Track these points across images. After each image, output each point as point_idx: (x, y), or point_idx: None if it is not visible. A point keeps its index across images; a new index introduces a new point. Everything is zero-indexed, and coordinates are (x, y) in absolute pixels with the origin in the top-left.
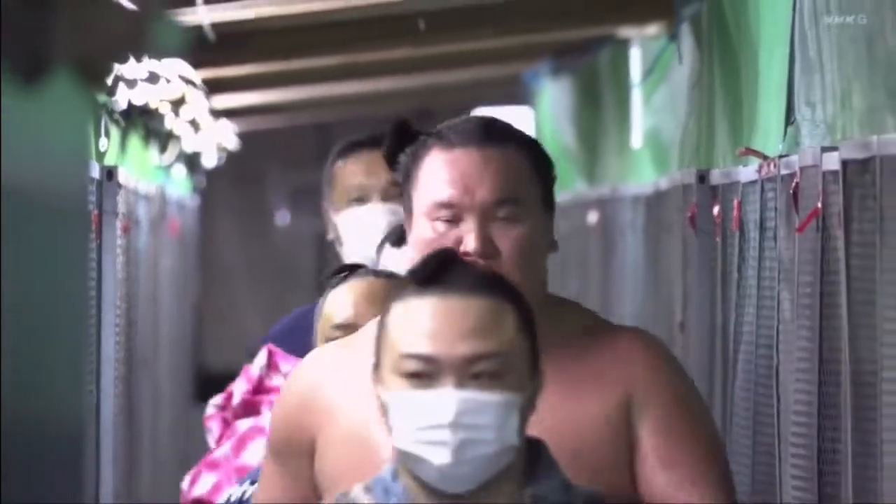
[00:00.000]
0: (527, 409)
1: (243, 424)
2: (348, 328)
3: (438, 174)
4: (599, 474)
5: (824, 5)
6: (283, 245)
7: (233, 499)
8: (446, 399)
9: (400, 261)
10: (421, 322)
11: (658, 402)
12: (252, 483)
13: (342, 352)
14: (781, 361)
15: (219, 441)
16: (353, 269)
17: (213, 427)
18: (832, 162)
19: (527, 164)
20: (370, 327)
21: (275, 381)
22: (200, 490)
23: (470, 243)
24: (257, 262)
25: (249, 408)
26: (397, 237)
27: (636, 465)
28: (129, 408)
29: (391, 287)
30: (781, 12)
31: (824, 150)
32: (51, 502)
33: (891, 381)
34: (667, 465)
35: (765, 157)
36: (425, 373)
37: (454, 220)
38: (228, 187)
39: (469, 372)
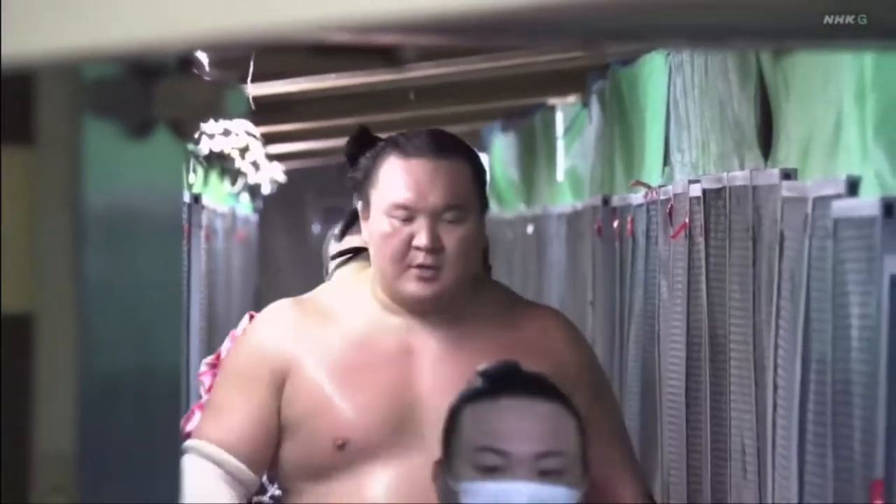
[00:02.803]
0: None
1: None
2: None
3: (397, 179)
4: None
5: (690, 83)
6: (316, 248)
7: None
8: (520, 489)
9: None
10: (496, 421)
11: (577, 371)
12: None
13: (302, 308)
14: (661, 330)
15: (208, 391)
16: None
17: (205, 380)
18: (696, 190)
19: (470, 173)
20: (321, 290)
21: None
22: (192, 426)
23: (422, 239)
24: (298, 260)
25: None
26: (339, 234)
27: None
28: None
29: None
30: (660, 88)
31: (690, 182)
32: (158, 425)
33: (736, 343)
34: (598, 437)
35: (649, 187)
36: (499, 466)
37: (408, 219)
38: (278, 208)
39: (537, 468)
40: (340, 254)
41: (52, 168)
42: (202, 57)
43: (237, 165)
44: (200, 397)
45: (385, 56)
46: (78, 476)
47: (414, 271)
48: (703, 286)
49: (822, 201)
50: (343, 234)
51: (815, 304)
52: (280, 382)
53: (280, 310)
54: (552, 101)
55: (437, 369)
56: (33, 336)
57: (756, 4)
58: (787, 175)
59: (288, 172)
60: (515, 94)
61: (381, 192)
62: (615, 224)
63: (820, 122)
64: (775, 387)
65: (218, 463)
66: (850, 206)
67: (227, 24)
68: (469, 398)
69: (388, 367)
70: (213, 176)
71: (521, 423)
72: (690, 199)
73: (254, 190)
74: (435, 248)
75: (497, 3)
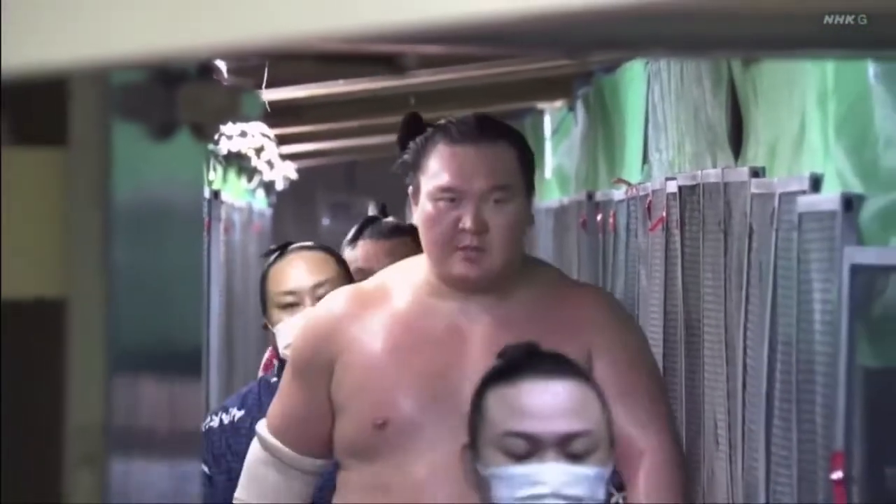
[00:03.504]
0: (608, 483)
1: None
2: (293, 294)
3: (443, 164)
4: None
5: (667, 89)
6: (324, 239)
7: (226, 422)
8: (549, 471)
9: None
10: (520, 404)
11: (617, 345)
12: (239, 408)
13: (356, 294)
14: (640, 313)
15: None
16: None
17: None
18: (672, 187)
19: (515, 156)
20: (380, 275)
21: None
22: None
23: (467, 222)
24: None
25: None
26: (352, 239)
27: None
28: (228, 338)
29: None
30: (639, 93)
31: (667, 179)
32: (180, 399)
33: (709, 326)
34: (623, 394)
35: (630, 184)
36: (527, 449)
37: (454, 202)
38: (290, 203)
39: (566, 448)
40: (270, 252)
41: (84, 167)
42: (221, 65)
43: (253, 164)
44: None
45: (388, 64)
46: (107, 446)
47: (460, 253)
48: (679, 274)
49: (788, 197)
50: (355, 239)
51: (781, 290)
52: (331, 365)
53: (336, 298)
54: (541, 105)
55: (484, 351)
56: (67, 319)
57: (728, 15)
58: (756, 173)
59: (299, 171)
60: (507, 99)
61: (428, 177)
62: (598, 217)
63: (785, 125)
64: (744, 366)
65: (269, 449)
66: (814, 202)
67: (244, 35)
68: (490, 382)
69: (436, 349)
70: (231, 173)
71: (545, 405)
72: (667, 194)
73: (268, 186)
74: (480, 229)
75: (490, 16)
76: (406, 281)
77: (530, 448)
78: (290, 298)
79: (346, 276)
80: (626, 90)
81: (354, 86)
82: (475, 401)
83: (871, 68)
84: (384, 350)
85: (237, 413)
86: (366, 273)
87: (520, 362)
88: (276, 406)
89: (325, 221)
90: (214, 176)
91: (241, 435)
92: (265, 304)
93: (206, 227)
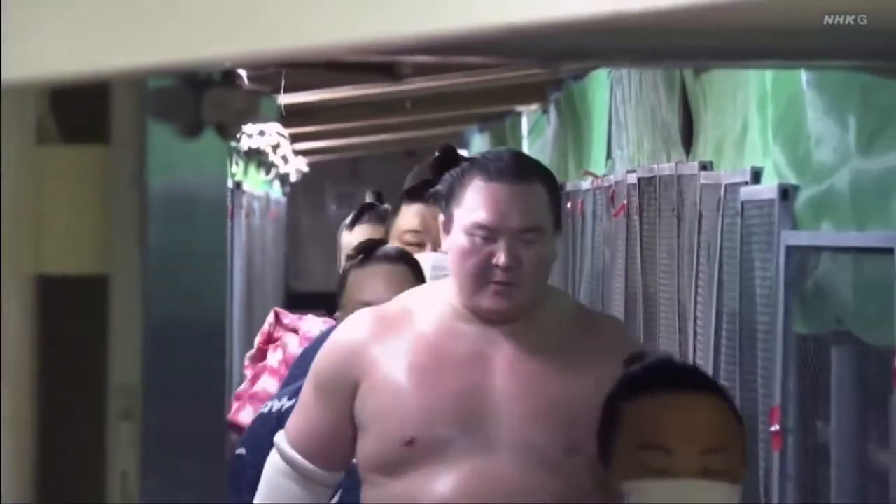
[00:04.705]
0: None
1: (258, 366)
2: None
3: (480, 201)
4: (589, 436)
5: (627, 94)
6: (331, 224)
7: (274, 409)
8: (688, 488)
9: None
10: (659, 417)
11: None
12: (290, 398)
13: (380, 317)
14: (605, 288)
15: (251, 382)
16: (372, 249)
17: (247, 373)
18: (632, 178)
19: (546, 196)
20: (401, 298)
21: (278, 332)
22: (241, 417)
23: (501, 258)
24: (317, 233)
25: (263, 354)
26: (351, 223)
27: None
28: (249, 308)
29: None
30: (604, 98)
31: (628, 172)
32: (206, 363)
33: (664, 298)
34: None
35: (596, 176)
36: (666, 464)
37: (488, 238)
38: (303, 193)
39: (703, 464)
40: (356, 253)
41: (123, 161)
42: (242, 73)
43: (270, 159)
44: (240, 386)
45: (387, 72)
46: (143, 402)
47: (492, 287)
48: (638, 254)
49: (732, 187)
50: (354, 223)
51: (727, 267)
52: (354, 387)
53: (360, 318)
54: (519, 108)
55: (508, 374)
56: (109, 293)
57: (680, 31)
58: (705, 167)
59: (310, 164)
60: (490, 103)
61: (464, 211)
62: (569, 205)
63: (730, 125)
64: (695, 333)
65: (290, 462)
66: (754, 191)
67: (262, 47)
68: (626, 392)
69: (460, 371)
70: (252, 167)
71: (684, 420)
72: (628, 185)
73: (283, 178)
74: (513, 266)
75: (475, 30)
76: (429, 305)
77: (668, 462)
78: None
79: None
80: (593, 95)
81: (358, 91)
82: (608, 410)
83: (803, 76)
84: (409, 371)
85: (286, 403)
86: None
87: (657, 375)
88: (296, 420)
89: (333, 208)
90: (237, 169)
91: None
92: (340, 299)
93: (229, 213)
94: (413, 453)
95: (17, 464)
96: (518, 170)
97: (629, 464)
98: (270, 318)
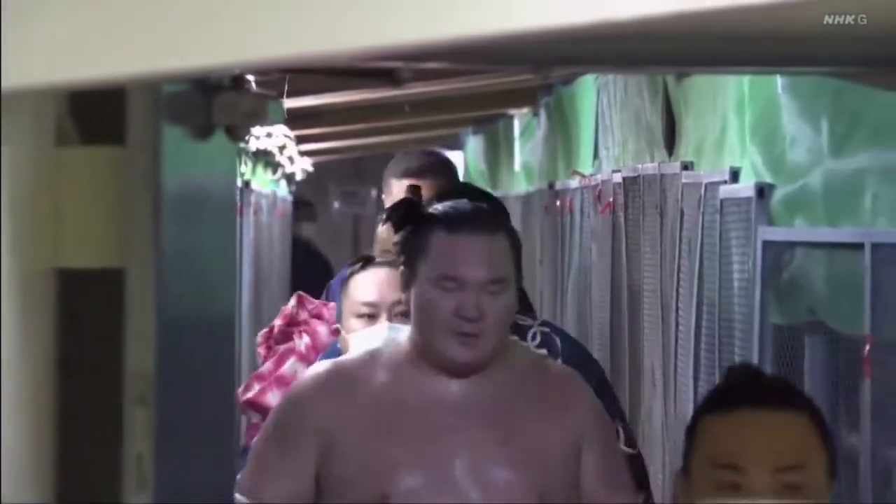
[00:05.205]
0: None
1: (281, 348)
2: (373, 306)
3: (445, 253)
4: (561, 490)
5: (613, 98)
6: (335, 220)
7: None
8: None
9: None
10: (733, 434)
11: (601, 437)
12: None
13: (341, 370)
14: (592, 281)
15: (264, 360)
16: (369, 259)
17: (261, 352)
18: (618, 178)
19: (509, 247)
20: (360, 351)
21: (302, 315)
22: (250, 394)
23: (468, 310)
24: (322, 228)
25: (285, 336)
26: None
27: (582, 482)
28: (256, 303)
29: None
30: (591, 102)
31: (614, 171)
32: (215, 351)
33: (647, 291)
34: (612, 485)
35: (583, 175)
36: (738, 483)
37: (454, 290)
38: (307, 191)
39: (777, 483)
40: (356, 262)
41: (138, 162)
42: (250, 77)
43: (277, 159)
44: (257, 368)
45: (387, 77)
46: (157, 389)
47: (458, 337)
48: (623, 248)
49: (712, 186)
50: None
51: (707, 262)
52: (319, 446)
53: (321, 372)
54: (511, 111)
55: (477, 422)
56: (125, 285)
57: (665, 37)
58: (686, 167)
59: (315, 165)
60: (484, 107)
61: (429, 264)
62: (558, 203)
63: (710, 127)
64: (677, 324)
65: None
66: (733, 190)
67: (269, 53)
68: (704, 407)
69: (427, 422)
70: (259, 167)
71: (756, 438)
72: (614, 184)
73: (289, 177)
74: (479, 317)
75: (471, 37)
76: (389, 357)
77: (741, 481)
78: (367, 310)
79: None
80: (581, 99)
81: (360, 95)
82: (691, 425)
83: (779, 81)
84: (377, 428)
85: None
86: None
87: (741, 388)
88: (258, 477)
89: (336, 206)
90: (245, 169)
91: None
92: (342, 311)
93: (238, 211)
94: None
95: (38, 446)
96: (481, 222)
97: (703, 481)
98: (293, 301)
